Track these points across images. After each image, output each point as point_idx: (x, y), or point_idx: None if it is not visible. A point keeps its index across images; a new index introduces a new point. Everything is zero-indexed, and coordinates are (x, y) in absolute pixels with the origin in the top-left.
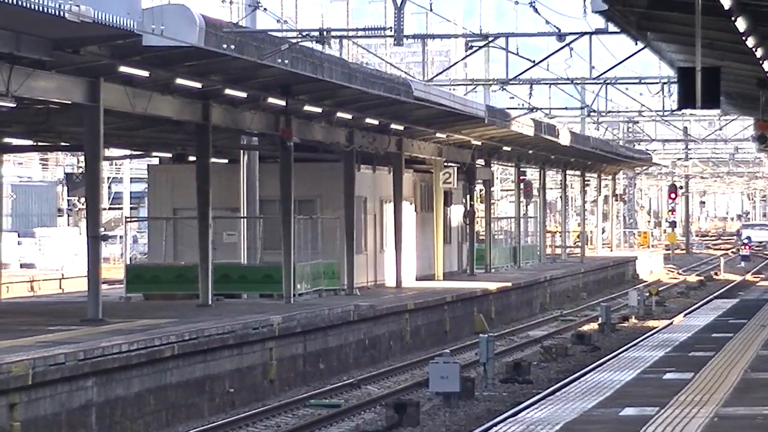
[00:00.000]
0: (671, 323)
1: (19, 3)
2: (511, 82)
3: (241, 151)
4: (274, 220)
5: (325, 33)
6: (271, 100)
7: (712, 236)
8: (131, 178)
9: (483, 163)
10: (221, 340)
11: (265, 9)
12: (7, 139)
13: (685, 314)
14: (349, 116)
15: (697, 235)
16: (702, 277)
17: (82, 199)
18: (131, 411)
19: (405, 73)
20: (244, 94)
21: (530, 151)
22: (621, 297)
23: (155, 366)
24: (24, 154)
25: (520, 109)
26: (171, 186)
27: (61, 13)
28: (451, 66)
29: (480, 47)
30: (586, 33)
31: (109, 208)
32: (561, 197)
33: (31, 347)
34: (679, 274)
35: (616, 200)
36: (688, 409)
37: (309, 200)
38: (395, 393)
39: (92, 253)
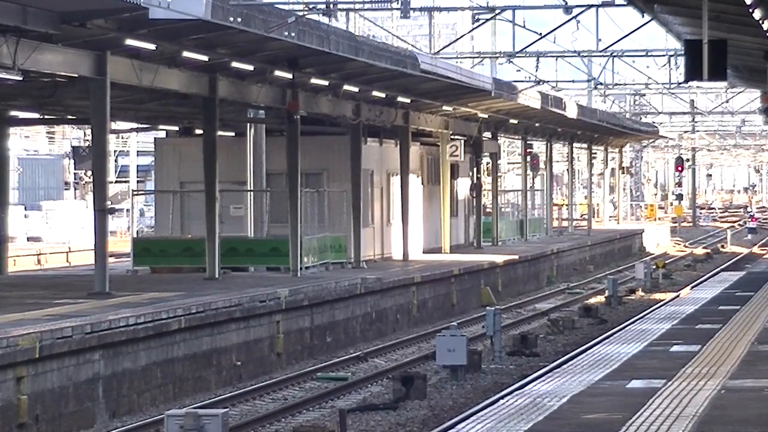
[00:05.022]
0: (678, 296)
1: None
2: (517, 55)
3: (248, 125)
4: (281, 194)
5: (331, 6)
6: (277, 73)
7: (719, 209)
8: (138, 152)
9: (490, 136)
10: (228, 314)
11: None
12: (13, 112)
13: (692, 287)
14: (355, 89)
15: (704, 208)
16: (709, 250)
17: (89, 173)
18: (138, 384)
19: (412, 46)
20: (250, 67)
21: (537, 124)
22: (628, 270)
23: (162, 339)
24: (31, 127)
25: (527, 81)
26: (178, 159)
27: None
28: (457, 39)
29: (487, 20)
30: (592, 5)
31: (116, 182)
32: (568, 170)
33: (38, 320)
34: (686, 246)
35: (623, 173)
36: (695, 382)
37: (316, 173)
38: (402, 366)
39: (99, 226)
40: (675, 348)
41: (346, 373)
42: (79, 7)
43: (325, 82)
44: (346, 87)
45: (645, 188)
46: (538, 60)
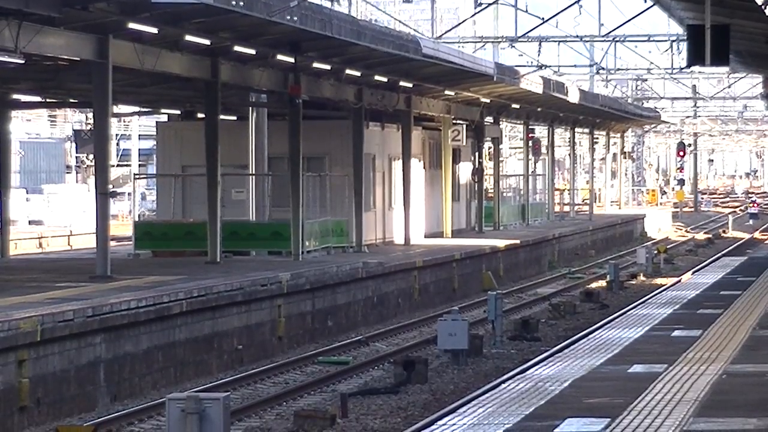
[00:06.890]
0: (679, 281)
1: None
2: (520, 40)
3: (250, 109)
4: (283, 178)
5: None
6: (280, 57)
7: (720, 194)
8: (140, 135)
9: (492, 121)
10: (230, 297)
11: None
12: (15, 96)
13: (694, 272)
14: (358, 73)
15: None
16: (710, 235)
17: (91, 156)
18: (140, 368)
19: (414, 30)
20: (253, 51)
21: (539, 109)
22: (629, 255)
23: (164, 323)
24: (32, 110)
25: (529, 66)
26: (180, 143)
27: None
28: (460, 23)
29: (489, 4)
30: None
31: (118, 165)
32: (569, 155)
33: (40, 304)
34: (688, 231)
35: (625, 158)
36: (696, 367)
37: (318, 157)
38: (404, 350)
39: (101, 209)
40: (676, 333)
41: (347, 357)
42: None
43: (328, 67)
44: (348, 71)
45: (647, 173)
46: (540, 45)
